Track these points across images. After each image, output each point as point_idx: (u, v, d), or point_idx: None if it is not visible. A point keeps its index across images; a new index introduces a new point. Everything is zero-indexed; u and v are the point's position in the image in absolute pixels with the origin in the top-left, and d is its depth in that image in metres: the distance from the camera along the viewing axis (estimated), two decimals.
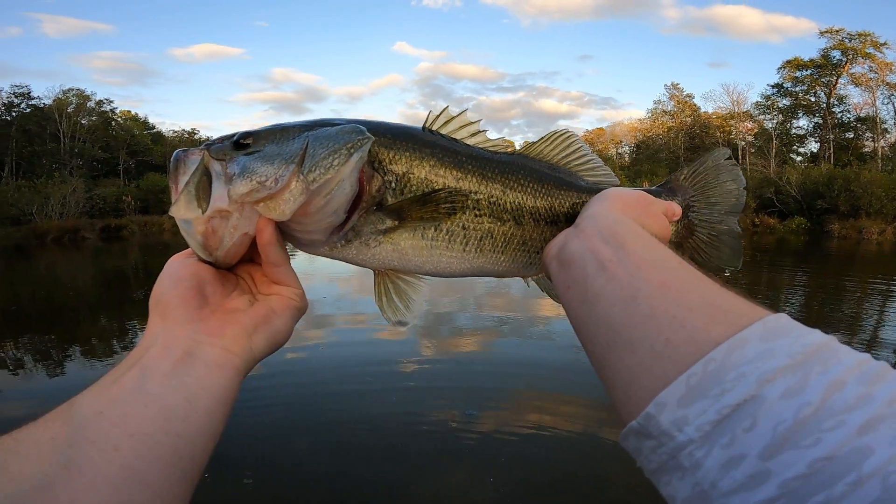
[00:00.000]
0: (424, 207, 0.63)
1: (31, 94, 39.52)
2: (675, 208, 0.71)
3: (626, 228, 0.54)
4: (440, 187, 0.64)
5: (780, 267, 14.84)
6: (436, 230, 0.65)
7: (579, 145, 0.77)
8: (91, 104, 42.58)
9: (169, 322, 0.54)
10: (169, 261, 0.60)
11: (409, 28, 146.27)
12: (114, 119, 45.42)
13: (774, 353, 0.35)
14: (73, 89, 41.93)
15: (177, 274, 0.57)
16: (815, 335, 0.36)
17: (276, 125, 0.60)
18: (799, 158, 43.26)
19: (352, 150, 0.58)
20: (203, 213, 0.55)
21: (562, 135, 0.76)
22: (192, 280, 0.57)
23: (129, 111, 50.81)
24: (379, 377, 5.32)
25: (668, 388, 0.37)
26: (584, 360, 5.30)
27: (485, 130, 0.70)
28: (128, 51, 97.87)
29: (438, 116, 0.68)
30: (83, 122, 40.99)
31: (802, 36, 78.70)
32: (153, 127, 50.18)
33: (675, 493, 0.36)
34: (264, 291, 0.61)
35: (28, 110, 38.89)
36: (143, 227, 29.02)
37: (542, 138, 0.76)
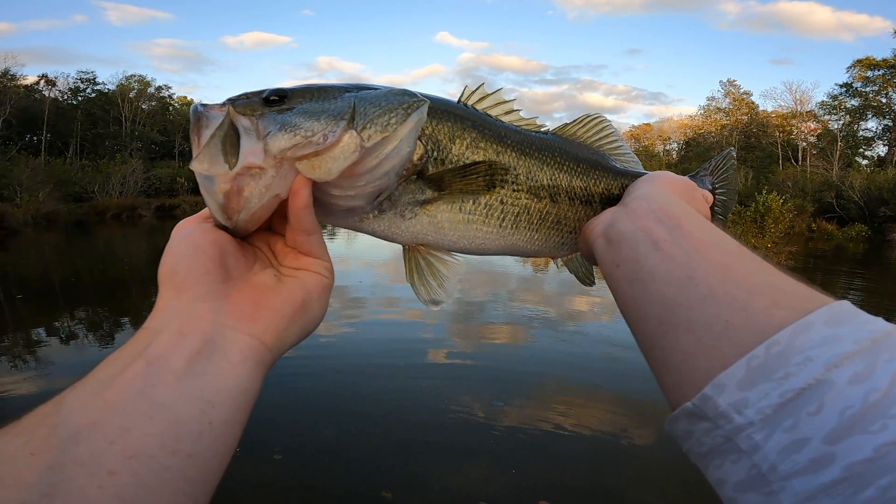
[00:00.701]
0: (465, 179, 0.61)
1: (97, 80, 42.07)
2: (709, 195, 0.74)
3: (682, 209, 0.53)
4: (481, 160, 0.62)
5: (835, 273, 14.04)
6: (474, 204, 0.63)
7: (611, 130, 0.78)
8: (151, 90, 44.81)
9: (186, 298, 0.45)
10: (178, 226, 0.52)
11: (451, 18, 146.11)
12: (171, 104, 47.67)
13: (841, 339, 0.34)
14: (135, 76, 44.52)
15: (195, 241, 0.49)
16: (881, 323, 0.36)
17: (311, 84, 0.56)
18: (865, 162, 40.75)
19: (409, 111, 0.54)
20: (230, 169, 0.49)
21: (595, 118, 0.77)
22: (214, 248, 0.48)
23: (185, 97, 53.03)
24: (409, 364, 5.39)
25: (728, 370, 0.37)
26: (613, 362, 5.26)
27: (519, 109, 0.70)
28: (184, 38, 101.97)
29: (474, 92, 0.68)
30: (144, 106, 43.38)
31: (877, 35, 74.16)
32: None
33: (726, 476, 0.36)
34: (289, 265, 0.54)
35: (93, 95, 41.32)
36: (195, 206, 29.43)
37: (575, 120, 0.76)
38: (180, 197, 32.54)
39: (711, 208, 0.79)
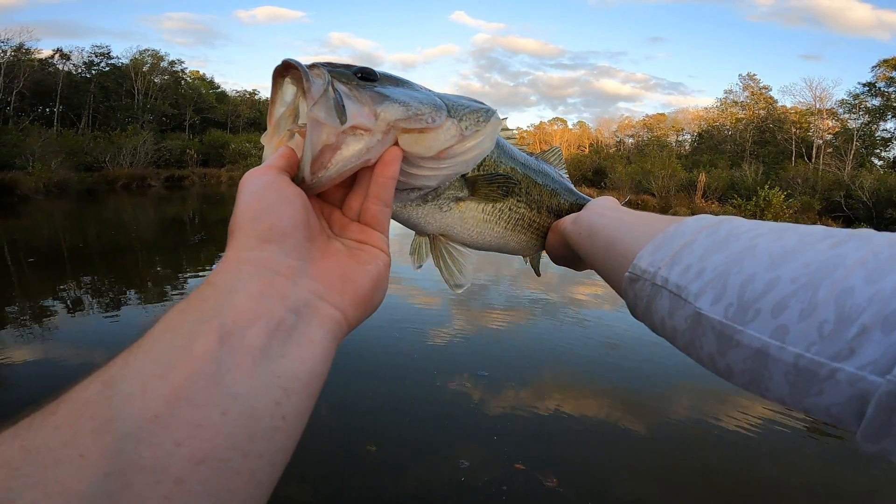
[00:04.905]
0: (490, 186, 0.73)
1: (111, 54, 42.20)
2: None
3: (620, 206, 0.79)
4: (501, 172, 0.76)
5: None
6: (492, 207, 0.76)
7: (563, 160, 1.00)
8: (164, 64, 44.89)
9: (271, 250, 0.39)
10: (252, 173, 0.45)
11: None
12: (183, 78, 47.72)
13: (700, 223, 0.55)
14: (148, 50, 44.40)
15: (281, 189, 0.43)
16: (724, 216, 0.57)
17: (393, 74, 0.60)
18: (879, 163, 40.16)
19: (489, 114, 0.63)
20: (342, 124, 0.49)
21: (557, 150, 1.00)
22: (300, 201, 0.44)
23: (198, 71, 53.06)
24: (405, 338, 5.54)
25: (643, 248, 0.58)
26: (612, 354, 5.35)
27: (514, 137, 0.86)
28: (196, 12, 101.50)
29: None
30: (156, 80, 43.40)
31: None
32: (218, 87, 52.25)
33: (661, 312, 0.53)
34: (352, 237, 0.50)
35: (107, 69, 41.43)
36: (203, 178, 31.76)
37: (547, 150, 0.98)
38: (189, 168, 32.96)
39: None
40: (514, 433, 3.77)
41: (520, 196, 0.80)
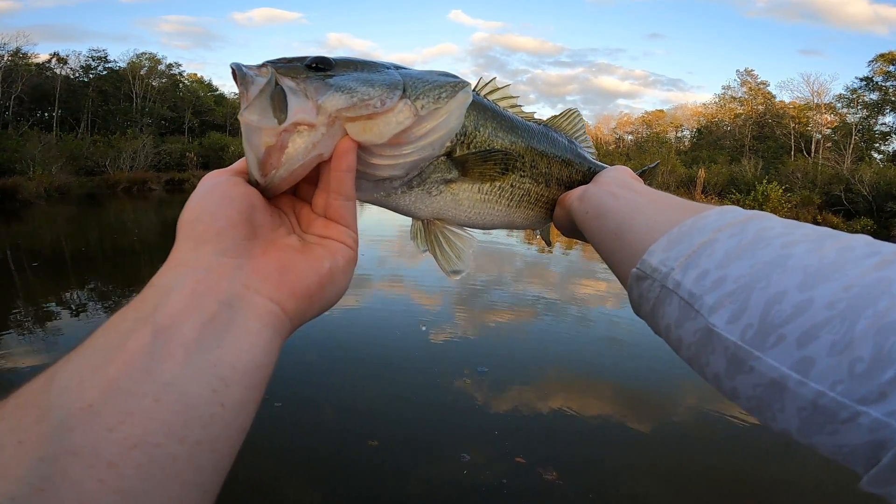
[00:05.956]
0: (484, 164, 0.67)
1: (108, 58, 42.40)
2: None
3: (635, 181, 0.72)
4: (498, 148, 0.70)
5: None
6: (490, 185, 0.70)
7: (582, 123, 0.93)
8: (162, 67, 44.97)
9: (206, 251, 0.40)
10: (207, 176, 0.48)
11: None
12: (181, 81, 47.87)
13: (725, 217, 0.50)
14: (145, 53, 44.64)
15: (224, 190, 0.45)
16: (755, 211, 0.51)
17: (352, 57, 0.57)
18: (879, 157, 40.10)
19: (456, 89, 0.57)
20: (279, 124, 0.48)
21: (574, 112, 0.92)
22: (244, 201, 0.45)
23: (196, 74, 53.16)
24: (405, 336, 5.59)
25: (656, 242, 0.52)
26: (615, 350, 5.39)
27: (520, 105, 0.79)
28: (193, 14, 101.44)
29: (486, 85, 0.76)
30: (154, 83, 43.56)
31: None
32: (216, 89, 52.30)
33: (668, 319, 0.48)
34: (316, 232, 0.50)
35: (105, 73, 41.57)
36: None
37: (560, 114, 0.91)
38: (189, 171, 33.11)
39: None
40: (514, 428, 3.82)
41: (524, 171, 0.75)
